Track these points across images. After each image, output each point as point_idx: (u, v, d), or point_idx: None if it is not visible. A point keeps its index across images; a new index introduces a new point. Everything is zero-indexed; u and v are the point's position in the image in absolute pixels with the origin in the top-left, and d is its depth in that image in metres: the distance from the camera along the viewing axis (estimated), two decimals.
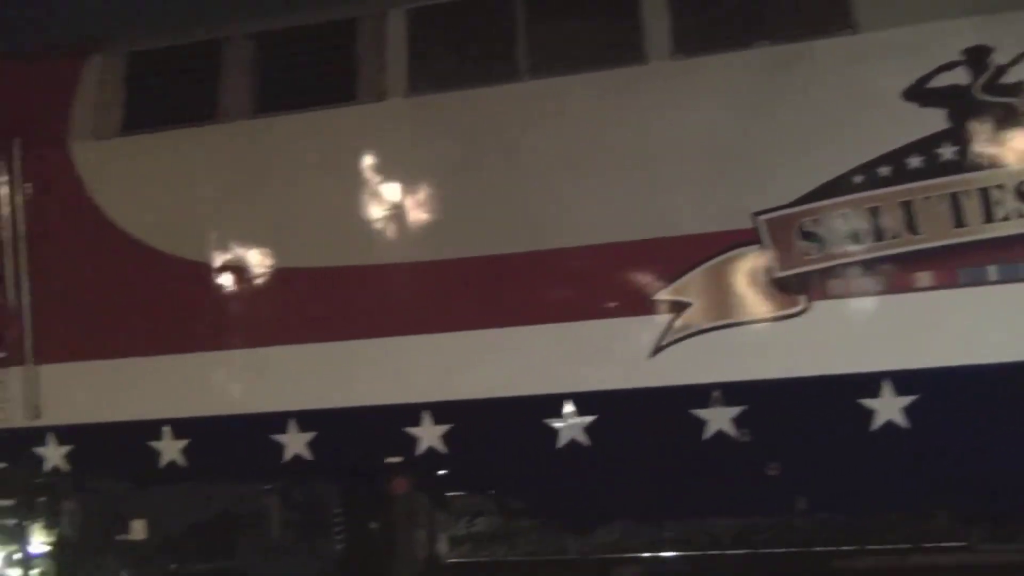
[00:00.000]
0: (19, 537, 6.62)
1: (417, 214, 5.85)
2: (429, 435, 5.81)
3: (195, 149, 6.21)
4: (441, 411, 5.77)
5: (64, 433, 6.40)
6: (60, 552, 6.59)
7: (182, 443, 6.18)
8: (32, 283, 6.42)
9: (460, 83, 5.79)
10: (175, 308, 6.22)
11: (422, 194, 5.82)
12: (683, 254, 5.42)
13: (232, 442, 6.14)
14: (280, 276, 6.04)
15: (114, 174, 6.34)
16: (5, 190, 6.48)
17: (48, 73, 6.63)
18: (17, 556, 6.64)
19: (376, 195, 5.90)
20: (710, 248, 5.38)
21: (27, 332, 6.42)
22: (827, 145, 5.29)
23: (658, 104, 5.49)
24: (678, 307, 5.44)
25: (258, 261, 6.08)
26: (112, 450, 6.34)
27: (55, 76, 6.58)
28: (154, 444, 6.22)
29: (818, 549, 6.21)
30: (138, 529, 6.55)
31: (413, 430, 5.82)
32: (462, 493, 6.19)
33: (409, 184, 5.84)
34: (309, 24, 6.17)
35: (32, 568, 6.60)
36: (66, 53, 6.64)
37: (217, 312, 6.16)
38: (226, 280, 6.14)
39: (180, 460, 6.20)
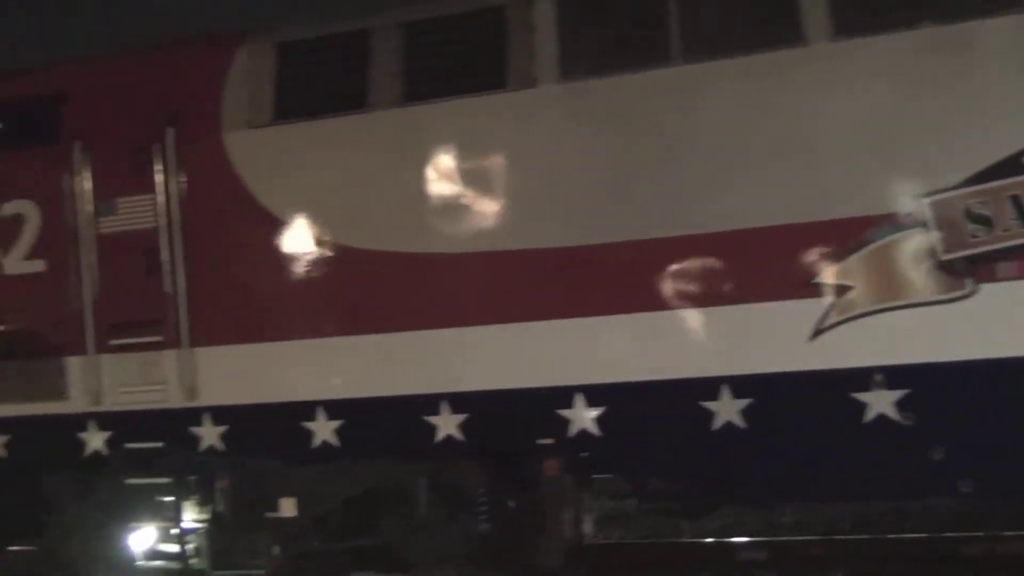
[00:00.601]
0: (174, 514, 6.88)
1: (569, 200, 5.91)
2: (582, 418, 5.90)
3: (346, 137, 6.36)
4: (595, 394, 5.86)
5: (219, 413, 6.63)
6: (212, 529, 6.86)
7: (335, 424, 6.37)
8: (187, 269, 6.65)
9: (612, 69, 5.84)
10: (326, 292, 6.40)
11: (575, 180, 5.88)
12: (846, 237, 5.40)
13: (384, 423, 6.30)
14: (432, 262, 6.16)
15: (266, 162, 6.52)
16: (160, 178, 6.71)
17: (198, 63, 6.83)
18: (172, 532, 6.90)
19: (528, 181, 5.98)
20: (874, 231, 5.36)
21: (182, 316, 6.66)
22: (995, 126, 5.22)
23: (820, 87, 5.47)
24: (840, 290, 5.43)
25: (409, 247, 6.21)
26: (266, 430, 6.55)
27: (205, 66, 6.78)
28: (308, 425, 6.42)
29: (980, 534, 6.17)
30: (287, 507, 6.79)
31: (566, 412, 5.91)
32: (612, 475, 6.27)
33: (562, 170, 5.91)
34: (457, 13, 6.26)
35: (185, 544, 6.85)
36: (214, 43, 6.83)
37: (368, 296, 6.30)
38: (376, 265, 6.28)
39: (333, 440, 6.38)
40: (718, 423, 5.65)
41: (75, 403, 6.92)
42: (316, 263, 6.38)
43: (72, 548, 7.13)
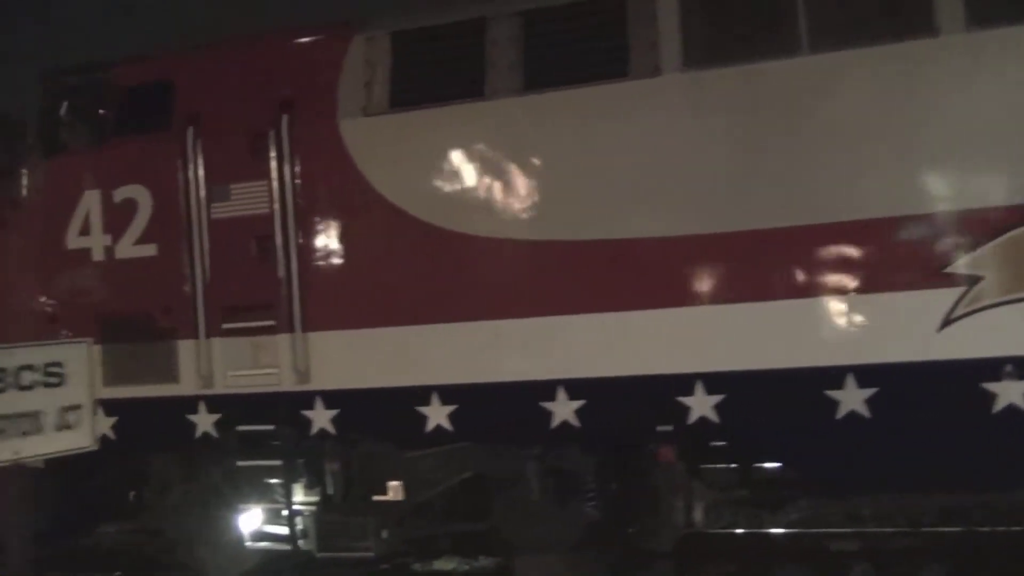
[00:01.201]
0: (283, 496, 6.97)
1: (691, 188, 5.94)
2: (701, 405, 5.94)
3: (463, 125, 6.42)
4: (715, 381, 5.89)
5: (331, 397, 6.70)
6: (321, 511, 6.94)
7: (449, 408, 6.43)
8: (300, 254, 6.73)
9: (737, 58, 5.86)
10: (441, 279, 6.46)
11: (699, 169, 5.91)
12: (977, 227, 5.41)
13: (499, 409, 6.35)
14: (549, 249, 6.20)
15: (382, 149, 6.59)
16: (274, 165, 6.79)
17: (313, 52, 6.91)
18: (281, 514, 6.99)
19: (650, 170, 6.02)
20: (1007, 221, 5.37)
21: (295, 301, 6.74)
22: None
23: (952, 76, 5.47)
24: (970, 280, 5.44)
25: (526, 234, 6.26)
26: (378, 414, 6.63)
27: (320, 55, 6.85)
28: (422, 409, 6.48)
29: None
30: (395, 491, 6.87)
31: (685, 400, 5.95)
32: (728, 463, 6.31)
33: (685, 159, 5.94)
34: (577, 1, 6.31)
35: (294, 526, 6.94)
36: (330, 32, 6.90)
37: (482, 282, 6.37)
38: (491, 251, 6.34)
39: (446, 425, 6.44)
40: (841, 413, 5.68)
41: (186, 386, 7.03)
42: (431, 250, 6.45)
43: (180, 529, 7.26)
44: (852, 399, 5.63)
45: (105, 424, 7.18)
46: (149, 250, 7.11)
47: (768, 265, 5.76)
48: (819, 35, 5.74)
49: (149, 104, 7.24)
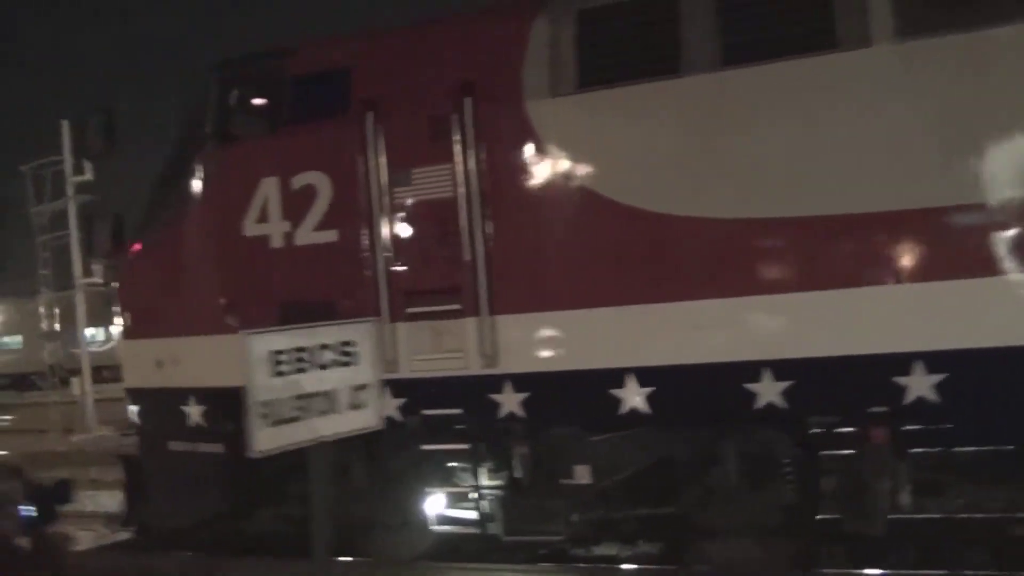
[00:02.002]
0: (469, 479, 6.96)
1: (903, 164, 5.77)
2: (920, 385, 5.76)
3: (658, 102, 6.31)
4: (935, 360, 5.71)
5: (520, 380, 6.66)
6: (508, 494, 6.92)
7: (647, 391, 6.35)
8: (486, 237, 6.69)
9: (956, 26, 5.66)
10: (635, 260, 6.37)
11: (909, 143, 5.73)
12: None
13: (698, 390, 6.25)
14: (750, 227, 6.06)
15: (572, 129, 6.51)
16: (458, 148, 6.75)
17: (494, 33, 6.84)
18: (466, 497, 6.98)
19: (857, 144, 5.85)
20: None
21: (482, 285, 6.70)
22: None
23: None
24: None
25: (726, 212, 6.12)
26: (569, 397, 6.57)
27: (502, 36, 6.79)
28: (615, 392, 6.41)
29: None
30: (583, 474, 6.80)
31: (902, 380, 5.78)
32: (937, 446, 6.13)
33: (896, 132, 5.77)
34: None
35: (481, 509, 6.92)
36: (511, 13, 6.83)
37: (680, 263, 6.26)
38: (689, 231, 6.22)
39: (643, 407, 6.36)
40: None
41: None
42: (625, 231, 6.35)
43: (359, 513, 7.29)
44: None
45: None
46: (330, 236, 7.13)
47: (992, 240, 5.57)
48: None
49: (325, 91, 7.25)
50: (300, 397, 4.18)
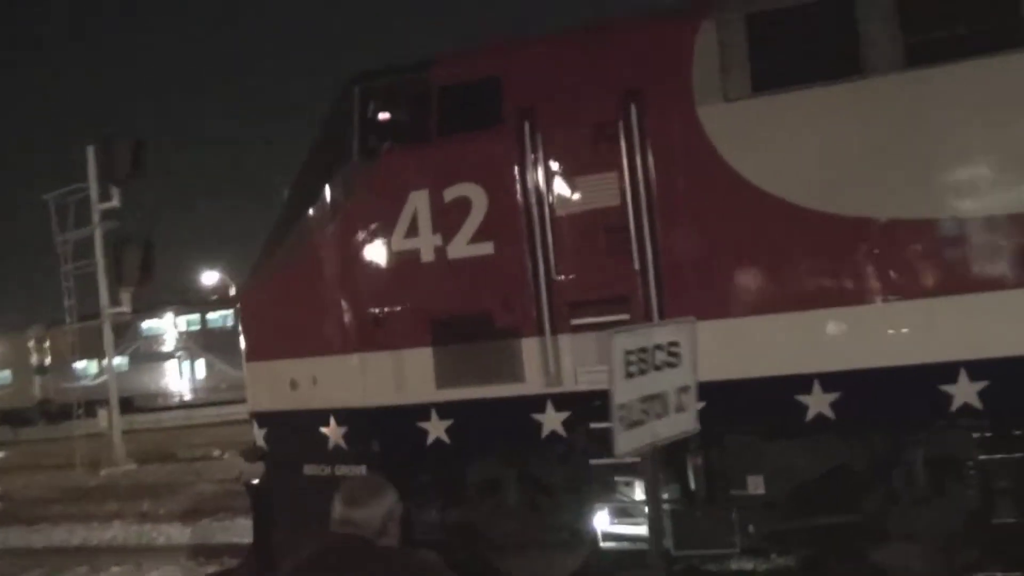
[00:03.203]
0: (638, 493, 6.81)
1: None
2: None
3: (837, 105, 6.28)
4: None
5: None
6: (681, 508, 6.77)
7: (832, 396, 6.26)
8: (657, 245, 6.58)
9: None
10: (817, 263, 6.31)
11: None
12: None
13: (887, 394, 6.18)
14: (933, 227, 6.05)
15: (748, 134, 6.46)
16: (625, 155, 6.65)
17: (660, 39, 6.78)
18: (637, 512, 6.82)
19: None
20: None
21: (653, 293, 6.58)
22: None
23: None
24: None
25: (909, 212, 6.09)
26: (747, 405, 6.46)
27: (668, 41, 6.72)
28: (800, 398, 6.32)
29: None
30: (756, 484, 6.69)
31: None
32: None
33: None
34: None
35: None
36: (677, 18, 6.79)
37: (868, 264, 6.20)
38: (871, 233, 6.17)
39: (828, 412, 6.27)
40: None
41: (532, 384, 6.90)
42: (809, 234, 6.29)
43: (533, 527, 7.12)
44: None
45: (441, 427, 7.13)
46: (486, 248, 6.99)
47: None
48: None
49: (473, 101, 7.14)
50: (643, 399, 4.03)
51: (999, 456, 6.44)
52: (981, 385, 5.97)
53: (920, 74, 6.10)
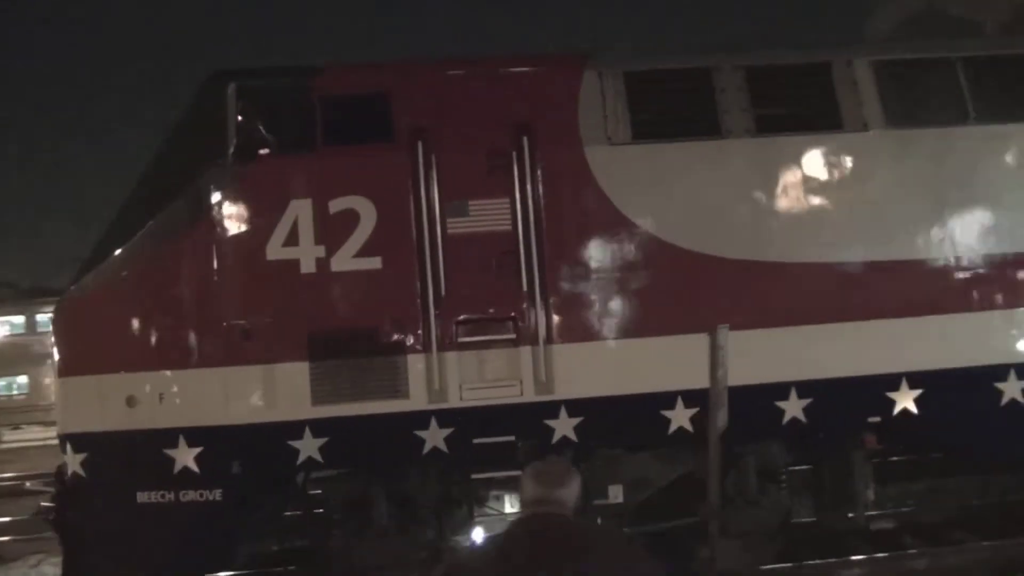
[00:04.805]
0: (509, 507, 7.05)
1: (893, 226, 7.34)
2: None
3: (700, 159, 7.24)
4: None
5: (575, 406, 7.00)
6: None
7: (691, 411, 7.08)
8: (544, 270, 7.01)
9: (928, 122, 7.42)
10: (682, 293, 7.15)
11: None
12: None
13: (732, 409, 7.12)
14: (777, 269, 7.20)
15: (628, 175, 7.16)
16: (517, 184, 7.03)
17: (548, 80, 7.29)
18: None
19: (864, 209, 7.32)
20: None
21: (539, 315, 6.99)
22: None
23: None
24: None
25: (761, 255, 7.20)
26: (620, 420, 7.05)
27: (555, 84, 7.27)
28: (665, 413, 7.05)
29: None
30: (614, 494, 7.29)
31: None
32: None
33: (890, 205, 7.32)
34: (792, 63, 7.49)
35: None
36: (563, 64, 7.35)
37: (720, 296, 7.16)
38: (730, 270, 7.18)
39: (687, 426, 7.08)
40: None
41: (416, 401, 6.89)
42: (672, 268, 7.12)
43: (411, 543, 6.99)
44: None
45: (314, 445, 6.83)
46: (374, 263, 6.92)
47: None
48: (981, 110, 7.51)
49: (361, 114, 7.10)
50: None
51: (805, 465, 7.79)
52: (806, 402, 7.22)
53: (764, 140, 7.34)
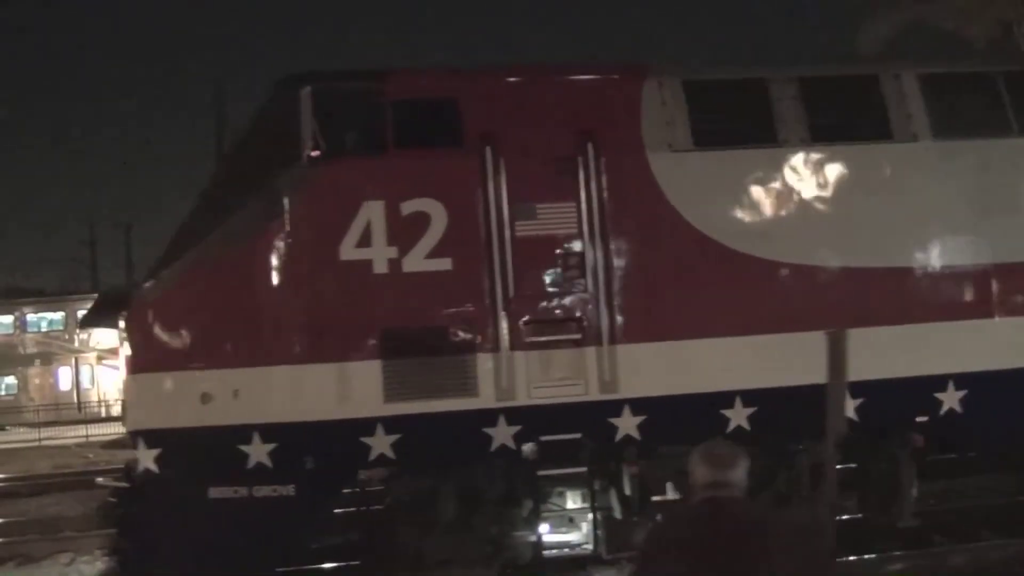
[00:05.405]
0: (583, 501, 7.23)
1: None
2: None
3: (757, 166, 7.48)
4: None
5: (637, 405, 7.20)
6: (613, 514, 7.32)
7: (749, 411, 7.31)
8: (609, 272, 7.22)
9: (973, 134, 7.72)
10: (738, 296, 7.38)
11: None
12: None
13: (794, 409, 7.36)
14: (846, 274, 7.46)
15: (689, 181, 7.39)
16: (583, 188, 7.23)
17: (610, 88, 7.50)
18: (580, 519, 7.23)
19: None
20: None
21: (604, 315, 7.18)
22: None
23: None
24: None
25: (817, 260, 7.46)
26: (681, 418, 7.26)
27: (618, 92, 7.48)
28: (725, 412, 7.27)
29: None
30: (672, 490, 7.49)
31: None
32: None
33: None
34: (842, 75, 7.76)
35: (592, 529, 7.22)
36: (626, 73, 7.57)
37: (777, 299, 7.40)
38: (786, 274, 7.43)
39: (745, 425, 7.30)
40: None
41: (484, 399, 7.05)
42: (736, 272, 7.35)
43: (476, 538, 7.14)
44: None
45: (386, 442, 6.98)
46: (444, 264, 7.08)
47: None
48: None
49: (431, 118, 7.26)
50: None
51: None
52: (859, 401, 7.46)
53: (818, 149, 7.60)
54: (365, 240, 7.05)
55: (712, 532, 3.26)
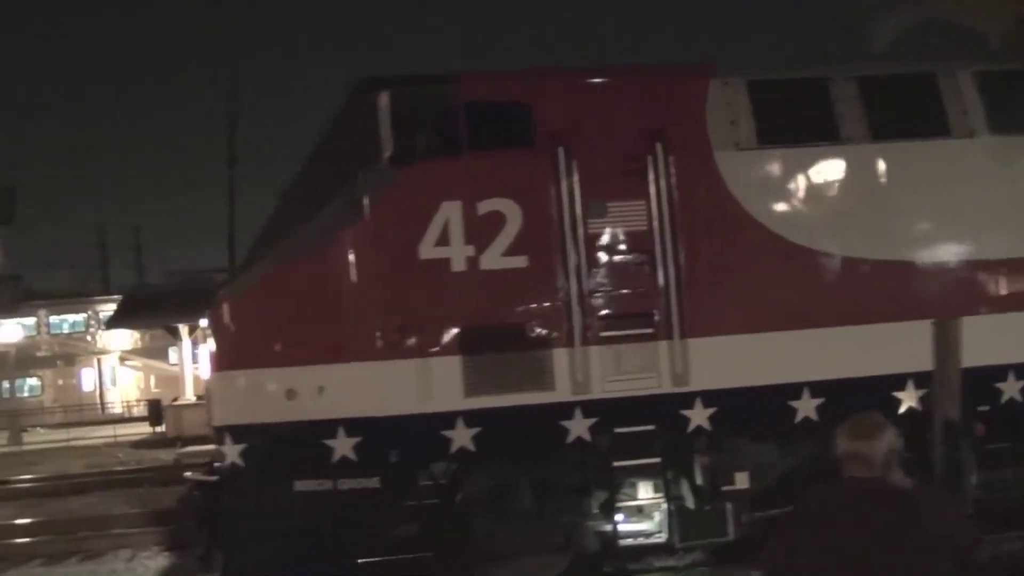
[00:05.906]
0: (656, 491, 7.44)
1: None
2: None
3: (821, 163, 7.68)
4: None
5: (709, 397, 7.40)
6: (686, 503, 7.52)
7: (817, 402, 7.50)
8: (678, 268, 7.41)
9: None
10: (803, 289, 7.57)
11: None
12: None
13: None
14: (893, 267, 7.64)
15: (755, 179, 7.59)
16: (652, 186, 7.42)
17: (676, 89, 7.69)
18: (653, 508, 7.44)
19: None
20: None
21: (675, 310, 7.38)
22: None
23: None
24: None
25: (878, 253, 7.64)
26: (752, 410, 7.45)
27: (682, 93, 7.68)
28: (792, 403, 7.47)
29: None
30: (741, 480, 7.69)
31: None
32: None
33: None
34: (900, 74, 7.95)
35: (666, 519, 7.43)
36: (690, 73, 7.76)
37: (839, 292, 7.59)
38: (846, 267, 7.62)
39: (813, 416, 7.49)
40: None
41: (561, 392, 7.25)
42: (802, 267, 7.54)
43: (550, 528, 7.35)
44: None
45: (467, 435, 7.18)
46: (520, 261, 7.28)
47: None
48: None
49: (503, 120, 7.46)
50: None
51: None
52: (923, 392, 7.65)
53: (880, 146, 7.79)
54: (444, 239, 7.26)
55: (856, 518, 3.35)
